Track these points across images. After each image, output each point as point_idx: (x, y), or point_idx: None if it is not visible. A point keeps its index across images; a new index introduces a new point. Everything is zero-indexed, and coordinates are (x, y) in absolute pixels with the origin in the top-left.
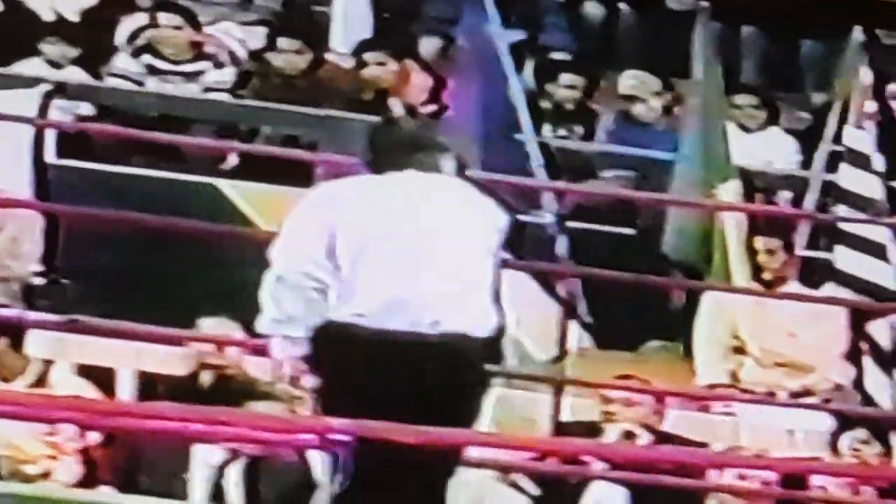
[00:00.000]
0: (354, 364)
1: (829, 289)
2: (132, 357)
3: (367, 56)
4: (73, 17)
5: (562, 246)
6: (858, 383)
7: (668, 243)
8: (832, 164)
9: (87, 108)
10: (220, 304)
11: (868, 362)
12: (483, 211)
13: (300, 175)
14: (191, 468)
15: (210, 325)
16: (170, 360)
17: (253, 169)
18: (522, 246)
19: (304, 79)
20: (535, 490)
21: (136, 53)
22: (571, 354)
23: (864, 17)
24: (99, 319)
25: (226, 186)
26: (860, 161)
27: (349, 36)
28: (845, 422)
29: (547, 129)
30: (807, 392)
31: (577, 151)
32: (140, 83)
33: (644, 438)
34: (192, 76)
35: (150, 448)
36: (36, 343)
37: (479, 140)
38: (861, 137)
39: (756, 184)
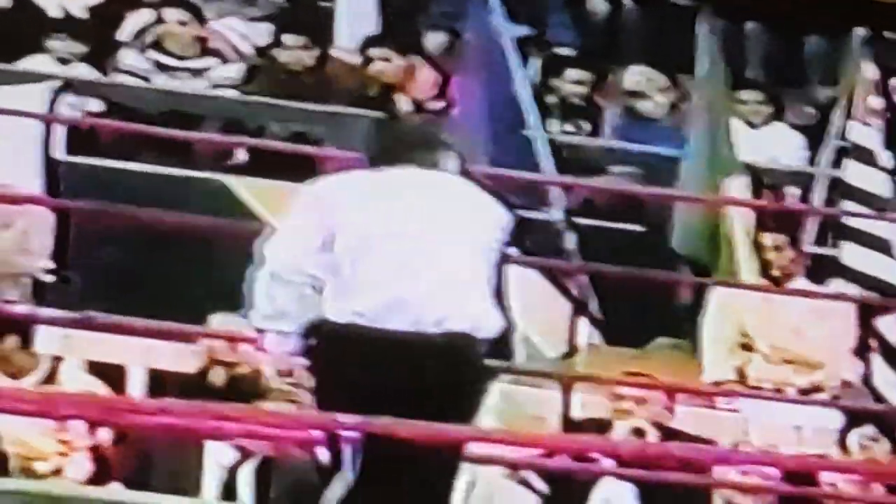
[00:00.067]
0: (354, 362)
1: (837, 285)
2: (142, 354)
3: (373, 52)
4: (81, 14)
5: (570, 242)
6: (867, 380)
7: (675, 240)
8: (838, 160)
9: (95, 105)
10: (230, 300)
11: (876, 358)
12: (485, 209)
13: (308, 171)
14: (202, 466)
15: (220, 321)
16: (180, 357)
17: (261, 165)
18: (531, 242)
19: (309, 75)
20: (544, 487)
21: (143, 49)
22: (581, 351)
23: (867, 14)
24: (109, 316)
25: (234, 182)
26: (866, 157)
27: (355, 32)
28: (854, 418)
29: (553, 124)
30: (815, 389)
31: (583, 147)
32: (147, 79)
33: (653, 436)
34: (198, 72)
35: (160, 445)
36: (46, 340)
37: (486, 136)
38: (867, 133)
39: (763, 180)
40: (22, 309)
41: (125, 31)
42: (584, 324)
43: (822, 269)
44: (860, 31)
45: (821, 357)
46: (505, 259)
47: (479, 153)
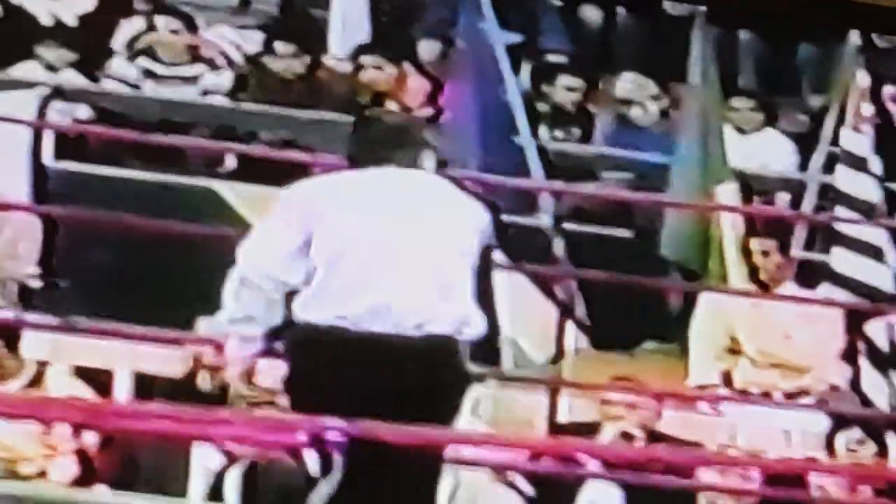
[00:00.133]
0: (334, 365)
1: (826, 290)
2: (129, 358)
3: (365, 60)
4: (71, 22)
5: (559, 248)
6: (855, 384)
7: (665, 245)
8: (829, 166)
9: (84, 112)
10: (218, 305)
11: (864, 363)
12: (464, 210)
13: (298, 177)
14: (188, 470)
15: (207, 326)
16: (166, 361)
17: (250, 171)
18: (520, 248)
19: (301, 83)
20: (530, 490)
21: (134, 57)
22: (568, 356)
23: (860, 22)
24: (96, 321)
25: (223, 189)
26: (857, 163)
27: (346, 40)
28: (841, 422)
29: (544, 131)
30: (803, 392)
31: (574, 154)
32: (137, 87)
33: (641, 439)
34: (189, 80)
35: (146, 449)
36: (32, 345)
37: (477, 142)
38: (858, 140)
39: (753, 186)
40: (7, 314)
41: (116, 40)
42: (571, 328)
43: (811, 274)
44: (852, 40)
45: (809, 362)
46: (490, 253)
47: (470, 159)
